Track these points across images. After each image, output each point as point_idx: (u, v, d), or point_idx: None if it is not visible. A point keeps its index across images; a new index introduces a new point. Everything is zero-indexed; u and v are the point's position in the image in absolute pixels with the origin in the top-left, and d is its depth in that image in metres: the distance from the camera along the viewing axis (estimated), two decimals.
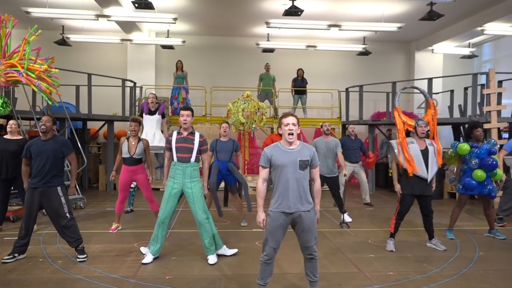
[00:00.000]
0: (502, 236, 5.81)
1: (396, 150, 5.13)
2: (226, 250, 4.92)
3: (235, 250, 5.00)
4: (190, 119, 4.65)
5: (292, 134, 3.32)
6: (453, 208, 5.90)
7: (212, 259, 4.62)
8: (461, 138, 10.34)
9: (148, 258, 4.63)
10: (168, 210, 4.63)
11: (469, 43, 13.03)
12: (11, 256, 4.59)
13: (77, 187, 7.94)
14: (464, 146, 5.58)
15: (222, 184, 6.53)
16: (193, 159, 4.63)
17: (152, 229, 4.82)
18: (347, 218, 6.69)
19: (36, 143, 4.63)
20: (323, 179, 6.55)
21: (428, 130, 5.23)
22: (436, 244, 5.28)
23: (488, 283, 4.10)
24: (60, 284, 3.98)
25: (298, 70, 11.97)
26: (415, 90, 6.53)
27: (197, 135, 4.69)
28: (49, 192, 4.55)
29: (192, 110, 4.75)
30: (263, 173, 3.44)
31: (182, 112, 4.67)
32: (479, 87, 9.24)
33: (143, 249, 4.96)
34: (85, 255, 4.68)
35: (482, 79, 9.54)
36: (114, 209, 6.12)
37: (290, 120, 3.34)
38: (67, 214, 4.60)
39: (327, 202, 8.17)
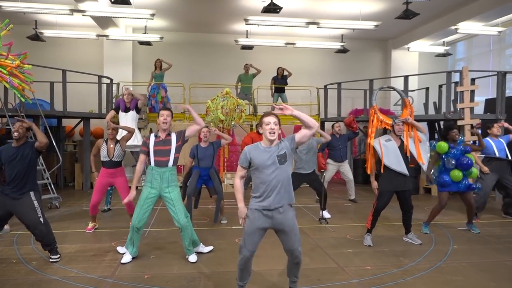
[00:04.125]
0: (476, 230, 5.97)
1: (378, 148, 5.20)
2: (203, 248, 4.90)
3: (211, 247, 5.00)
4: (170, 119, 4.57)
5: (274, 133, 3.28)
6: (434, 206, 5.95)
7: (192, 257, 4.60)
8: (435, 134, 10.59)
9: (127, 258, 4.57)
10: (142, 215, 4.49)
11: (444, 41, 13.33)
12: None
13: (52, 186, 7.76)
14: (443, 144, 5.70)
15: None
16: (171, 162, 4.53)
17: (129, 228, 4.75)
18: (326, 214, 6.76)
19: (6, 151, 4.48)
20: (304, 176, 6.55)
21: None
22: (412, 238, 5.39)
23: (462, 275, 4.22)
24: (35, 285, 3.88)
25: (278, 68, 11.83)
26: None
27: (173, 135, 4.62)
28: (22, 198, 4.45)
29: (172, 111, 4.67)
30: (241, 172, 3.43)
31: (162, 112, 4.57)
32: (453, 85, 9.50)
33: (120, 249, 4.89)
34: (59, 255, 4.58)
35: (456, 77, 9.80)
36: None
37: (271, 119, 3.29)
38: (41, 219, 4.49)
39: (306, 198, 8.24)
